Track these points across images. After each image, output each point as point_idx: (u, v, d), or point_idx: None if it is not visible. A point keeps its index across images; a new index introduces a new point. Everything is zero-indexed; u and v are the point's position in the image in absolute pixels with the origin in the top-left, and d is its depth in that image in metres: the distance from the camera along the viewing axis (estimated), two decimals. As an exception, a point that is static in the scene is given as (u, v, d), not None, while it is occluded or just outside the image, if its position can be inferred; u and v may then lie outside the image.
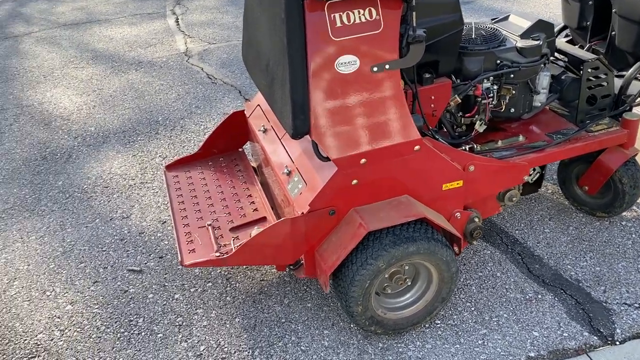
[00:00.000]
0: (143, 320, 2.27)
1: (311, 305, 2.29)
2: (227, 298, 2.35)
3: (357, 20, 1.80)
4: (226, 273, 2.48)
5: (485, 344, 2.08)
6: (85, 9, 6.37)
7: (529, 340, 2.08)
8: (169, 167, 2.68)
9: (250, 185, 2.55)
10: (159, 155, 3.41)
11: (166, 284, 2.45)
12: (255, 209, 2.38)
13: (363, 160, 1.91)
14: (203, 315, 2.27)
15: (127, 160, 3.39)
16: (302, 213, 1.95)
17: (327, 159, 1.93)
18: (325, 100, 1.85)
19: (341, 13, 1.78)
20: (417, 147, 1.95)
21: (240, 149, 2.82)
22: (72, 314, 2.32)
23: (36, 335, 2.23)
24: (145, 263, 2.57)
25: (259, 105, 2.62)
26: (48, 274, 2.54)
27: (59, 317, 2.31)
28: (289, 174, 2.15)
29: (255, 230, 2.22)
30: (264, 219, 2.32)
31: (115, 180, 3.20)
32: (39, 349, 2.17)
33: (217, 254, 2.10)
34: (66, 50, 5.17)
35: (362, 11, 1.80)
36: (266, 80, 2.11)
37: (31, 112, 4.05)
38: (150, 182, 3.16)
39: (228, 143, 2.77)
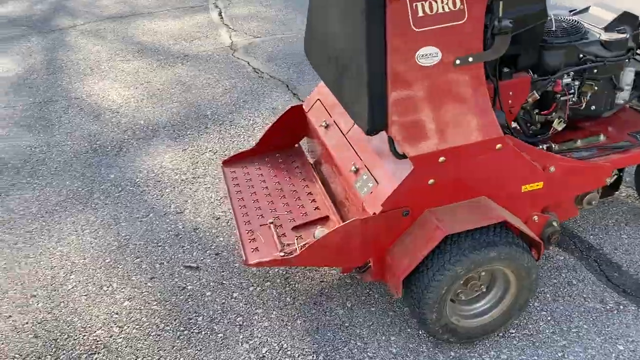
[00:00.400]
0: (202, 318, 2.21)
1: (375, 309, 2.20)
2: (287, 299, 2.27)
3: (440, 10, 1.70)
4: (284, 272, 2.40)
5: (566, 356, 1.96)
6: (128, 2, 6.37)
7: (613, 354, 1.95)
8: (226, 163, 2.62)
9: (309, 182, 2.46)
10: (209, 150, 3.36)
11: (224, 281, 2.38)
12: (317, 208, 2.29)
13: (442, 159, 1.81)
14: (263, 316, 2.20)
15: (177, 154, 3.34)
16: (374, 213, 1.86)
17: (403, 156, 1.83)
18: (405, 95, 1.75)
19: (423, 2, 1.68)
20: (499, 146, 1.84)
21: (296, 145, 2.74)
22: (130, 310, 2.27)
23: (95, 332, 2.19)
24: (202, 260, 2.51)
25: (319, 99, 2.53)
26: (104, 268, 2.50)
27: (117, 313, 2.26)
28: (357, 171, 2.06)
29: (319, 230, 2.14)
30: (326, 218, 2.23)
31: (167, 174, 3.15)
32: (98, 345, 2.13)
33: (282, 254, 2.02)
34: (112, 43, 5.17)
35: (445, 0, 1.70)
36: (334, 74, 2.02)
37: (80, 104, 4.04)
38: (202, 177, 3.10)
39: (285, 138, 2.70)
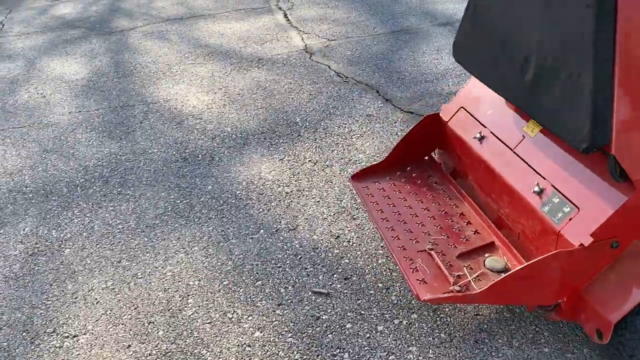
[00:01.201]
0: (349, 355, 1.96)
1: (549, 350, 1.93)
2: (442, 335, 2.01)
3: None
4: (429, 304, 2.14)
5: None
6: (184, 3, 6.19)
7: None
8: (355, 177, 2.38)
9: (456, 200, 2.21)
10: (309, 160, 3.12)
11: (362, 311, 2.13)
12: (476, 231, 2.04)
13: (668, 183, 1.54)
14: (419, 355, 1.94)
15: (275, 164, 3.11)
16: (581, 244, 1.59)
17: (623, 178, 1.56)
18: (636, 106, 1.48)
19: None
20: None
21: (426, 157, 2.49)
22: (263, 343, 2.03)
23: (229, 367, 1.95)
24: (330, 284, 2.27)
25: (462, 108, 2.28)
26: (223, 292, 2.27)
27: (249, 346, 2.02)
28: (541, 192, 1.79)
29: (489, 260, 1.90)
30: (491, 244, 1.98)
31: (269, 186, 2.92)
32: (235, 383, 1.89)
33: (457, 288, 1.77)
34: (178, 45, 4.98)
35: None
36: (521, 80, 1.76)
37: (159, 110, 3.84)
38: (307, 190, 2.86)
39: (416, 151, 2.45)
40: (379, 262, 2.37)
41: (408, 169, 2.43)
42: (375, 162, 2.45)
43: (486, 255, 1.93)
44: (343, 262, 2.38)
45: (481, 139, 2.11)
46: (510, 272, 1.67)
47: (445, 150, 2.39)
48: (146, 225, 2.69)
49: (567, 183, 1.73)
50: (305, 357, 1.97)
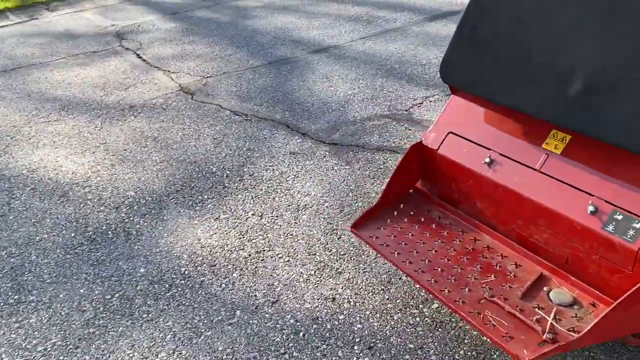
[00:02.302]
0: None
1: (620, 372, 1.78)
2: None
3: None
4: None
5: None
6: (1, 53, 5.20)
7: None
8: (356, 226, 2.03)
9: (473, 233, 1.99)
10: (252, 214, 2.67)
11: (411, 384, 1.78)
12: (519, 265, 1.83)
13: None
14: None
15: (212, 225, 2.60)
16: None
17: None
18: None
19: None
20: None
21: (411, 191, 2.25)
22: None
23: None
24: (356, 359, 1.88)
25: (452, 133, 2.08)
26: (231, 406, 1.73)
27: None
28: (596, 211, 1.64)
29: (553, 293, 1.70)
30: (542, 276, 1.78)
31: (219, 254, 2.41)
32: None
33: (550, 336, 1.53)
34: (16, 102, 4.09)
35: None
36: (563, 94, 1.61)
37: (27, 183, 3.03)
38: (269, 250, 2.42)
39: (406, 186, 2.19)
40: (395, 318, 2.04)
41: (402, 206, 2.16)
42: (370, 207, 2.14)
43: (545, 289, 1.73)
44: (355, 328, 2.00)
45: (491, 162, 1.92)
46: (613, 304, 1.48)
47: (436, 180, 2.16)
48: (79, 338, 2.00)
49: (624, 197, 1.60)
50: None
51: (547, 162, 1.80)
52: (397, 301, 2.11)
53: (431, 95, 3.71)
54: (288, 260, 2.35)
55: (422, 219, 2.08)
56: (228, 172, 3.02)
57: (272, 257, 2.37)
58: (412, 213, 2.12)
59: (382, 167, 2.97)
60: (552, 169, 1.78)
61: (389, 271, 2.26)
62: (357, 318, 2.04)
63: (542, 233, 1.80)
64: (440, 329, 1.99)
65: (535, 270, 1.81)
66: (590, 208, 1.65)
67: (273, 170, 3.03)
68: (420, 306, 2.09)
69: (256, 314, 2.08)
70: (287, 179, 2.93)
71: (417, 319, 2.02)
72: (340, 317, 2.05)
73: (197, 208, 2.73)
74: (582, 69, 1.57)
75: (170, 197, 2.83)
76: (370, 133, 3.30)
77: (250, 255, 2.39)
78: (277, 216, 2.63)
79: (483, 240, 1.96)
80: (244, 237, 2.50)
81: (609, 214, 1.61)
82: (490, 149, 1.94)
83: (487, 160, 1.93)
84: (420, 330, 1.98)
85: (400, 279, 2.22)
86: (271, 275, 2.27)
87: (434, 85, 3.86)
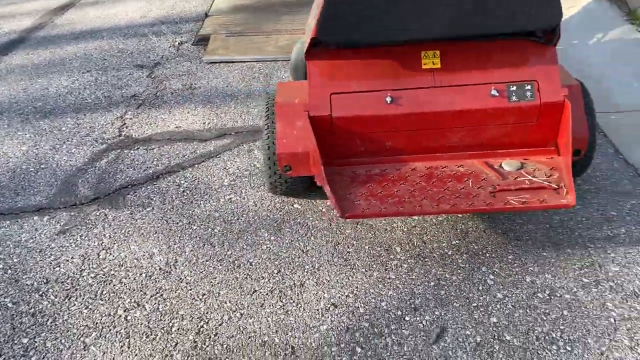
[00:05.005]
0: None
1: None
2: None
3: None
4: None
5: None
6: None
7: None
8: (347, 216, 2.09)
9: (409, 165, 2.28)
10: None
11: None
12: (462, 166, 2.26)
13: None
14: None
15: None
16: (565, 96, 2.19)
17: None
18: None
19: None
20: None
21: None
22: None
23: None
24: (342, 338, 1.88)
25: (334, 93, 2.25)
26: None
27: None
28: (499, 93, 2.18)
29: (507, 165, 2.25)
30: (487, 163, 2.26)
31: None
32: None
33: (555, 185, 2.12)
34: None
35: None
36: (457, 12, 2.06)
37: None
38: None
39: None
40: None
41: (338, 181, 2.22)
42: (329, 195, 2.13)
43: (497, 167, 2.22)
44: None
45: (393, 100, 2.18)
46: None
47: (336, 142, 2.28)
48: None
49: (508, 73, 2.18)
50: None
51: (436, 77, 2.21)
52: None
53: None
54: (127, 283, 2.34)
55: (364, 179, 2.18)
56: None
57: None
58: (356, 172, 2.22)
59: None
60: (444, 80, 2.20)
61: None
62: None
63: (459, 133, 2.23)
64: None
65: (474, 163, 2.22)
66: (493, 92, 2.18)
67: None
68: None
69: (241, 299, 2.07)
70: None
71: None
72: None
73: (180, 200, 2.72)
74: None
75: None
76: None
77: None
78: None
79: (420, 166, 2.25)
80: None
81: (507, 90, 2.18)
82: (382, 90, 2.20)
83: (389, 100, 2.18)
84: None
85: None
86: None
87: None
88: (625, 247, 2.32)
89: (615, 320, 2.01)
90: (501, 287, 2.16)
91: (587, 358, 1.88)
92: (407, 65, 2.24)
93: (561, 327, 1.99)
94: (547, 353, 1.90)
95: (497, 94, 2.19)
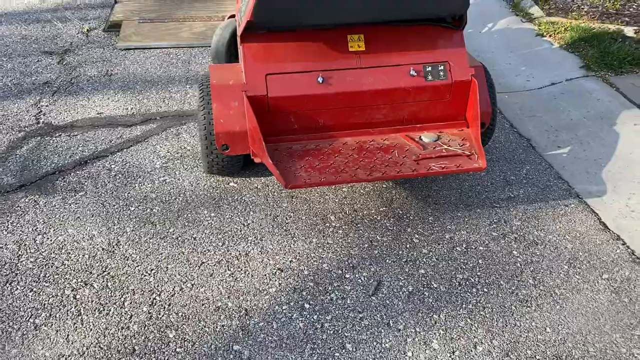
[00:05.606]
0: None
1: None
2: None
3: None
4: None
5: None
6: None
7: None
8: (288, 184, 2.22)
9: (340, 140, 2.48)
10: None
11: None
12: (387, 139, 2.50)
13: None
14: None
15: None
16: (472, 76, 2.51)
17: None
18: None
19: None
20: None
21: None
22: None
23: None
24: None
25: (269, 74, 2.41)
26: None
27: None
28: (418, 73, 2.46)
29: (426, 137, 2.53)
30: (408, 137, 2.51)
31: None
32: None
33: (468, 152, 2.41)
34: None
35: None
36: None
37: None
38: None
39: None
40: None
41: (287, 148, 2.42)
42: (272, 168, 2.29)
43: (418, 140, 2.48)
44: (288, 270, 2.18)
45: (324, 80, 2.39)
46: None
47: (272, 120, 2.43)
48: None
49: (424, 55, 2.46)
50: None
51: (362, 59, 2.44)
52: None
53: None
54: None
55: (300, 153, 2.39)
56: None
57: (198, 219, 2.46)
58: (292, 148, 2.39)
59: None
60: (368, 61, 2.44)
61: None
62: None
63: (383, 110, 2.48)
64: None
65: (397, 136, 2.48)
66: (412, 72, 2.45)
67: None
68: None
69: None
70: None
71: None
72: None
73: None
74: None
75: (83, 175, 2.80)
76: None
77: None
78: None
79: (350, 141, 2.47)
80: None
81: (423, 70, 2.46)
82: (313, 71, 2.40)
83: (320, 80, 2.39)
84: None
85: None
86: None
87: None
88: (524, 205, 2.70)
89: (520, 265, 2.36)
90: (425, 244, 2.44)
91: (501, 297, 2.21)
92: (335, 48, 2.43)
93: (478, 274, 2.30)
94: (468, 295, 2.20)
95: (415, 74, 2.46)
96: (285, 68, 2.40)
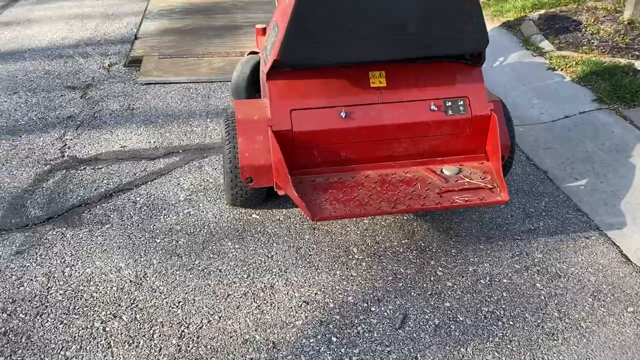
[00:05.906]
0: None
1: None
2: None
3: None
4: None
5: None
6: None
7: None
8: (315, 217, 2.27)
9: (362, 174, 2.53)
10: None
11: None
12: (408, 172, 2.56)
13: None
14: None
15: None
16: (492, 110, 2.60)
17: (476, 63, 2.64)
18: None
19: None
20: None
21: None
22: None
23: None
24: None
25: (294, 110, 2.47)
26: None
27: None
28: (438, 108, 2.51)
29: (448, 170, 2.56)
30: (429, 169, 2.56)
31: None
32: None
33: (490, 185, 2.46)
34: None
35: None
36: (401, 35, 2.36)
37: None
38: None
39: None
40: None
41: (311, 181, 2.46)
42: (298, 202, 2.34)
43: (440, 173, 2.53)
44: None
45: (346, 115, 2.45)
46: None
47: (294, 154, 2.48)
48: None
49: (444, 90, 2.53)
50: None
51: (383, 94, 2.52)
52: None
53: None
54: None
55: (324, 186, 2.42)
56: (163, 180, 3.08)
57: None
58: (315, 181, 2.44)
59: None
60: (390, 96, 2.51)
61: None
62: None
63: (404, 143, 2.54)
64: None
65: (418, 169, 2.53)
66: (432, 107, 2.51)
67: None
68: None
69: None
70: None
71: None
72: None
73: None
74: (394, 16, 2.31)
75: (109, 208, 2.85)
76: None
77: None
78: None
79: (373, 174, 2.52)
80: (193, 237, 2.60)
81: (443, 105, 2.53)
82: (336, 106, 2.46)
83: (343, 114, 2.45)
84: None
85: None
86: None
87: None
88: (545, 237, 2.72)
89: (545, 298, 2.37)
90: (449, 276, 2.46)
91: (527, 330, 2.22)
92: (357, 84, 2.51)
93: (503, 306, 2.32)
94: (494, 328, 2.21)
95: (436, 109, 2.53)
96: (309, 104, 2.47)
